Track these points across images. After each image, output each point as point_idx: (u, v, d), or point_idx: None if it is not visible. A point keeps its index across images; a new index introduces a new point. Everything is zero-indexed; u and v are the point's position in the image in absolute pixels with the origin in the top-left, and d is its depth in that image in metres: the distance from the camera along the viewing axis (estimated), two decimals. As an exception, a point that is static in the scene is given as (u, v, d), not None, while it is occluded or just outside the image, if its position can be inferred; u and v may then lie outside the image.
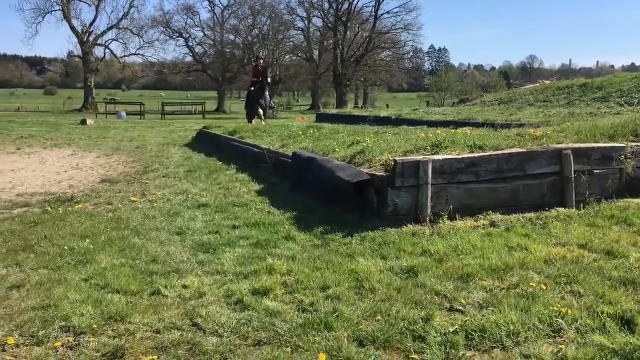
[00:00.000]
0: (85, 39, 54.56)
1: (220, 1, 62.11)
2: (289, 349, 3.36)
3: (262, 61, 19.81)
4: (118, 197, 7.88)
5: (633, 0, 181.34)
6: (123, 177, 9.69)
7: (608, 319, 3.59)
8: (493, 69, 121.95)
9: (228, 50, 59.81)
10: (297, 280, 4.43)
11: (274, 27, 56.40)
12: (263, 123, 17.36)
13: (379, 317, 3.74)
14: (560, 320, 3.60)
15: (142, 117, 39.67)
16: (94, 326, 3.65)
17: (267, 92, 17.95)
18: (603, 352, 3.21)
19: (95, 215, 6.84)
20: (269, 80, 17.65)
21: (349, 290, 4.22)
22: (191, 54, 61.90)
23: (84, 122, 24.40)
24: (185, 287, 4.38)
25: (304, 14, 61.24)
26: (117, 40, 57.29)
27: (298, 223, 6.14)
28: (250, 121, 19.07)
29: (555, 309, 3.75)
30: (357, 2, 59.08)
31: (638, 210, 6.21)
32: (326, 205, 6.66)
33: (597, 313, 3.68)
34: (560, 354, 3.23)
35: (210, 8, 62.35)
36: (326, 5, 59.87)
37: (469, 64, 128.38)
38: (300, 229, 5.90)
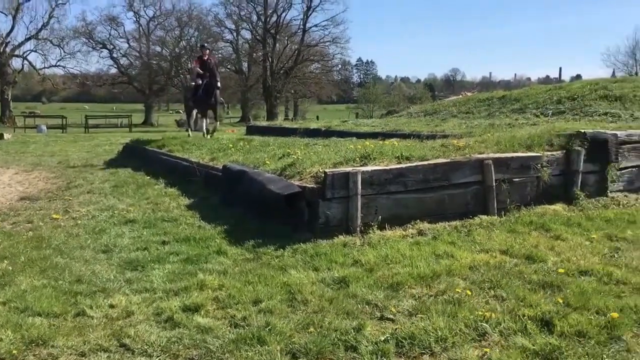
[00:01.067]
0: (1, 50, 51.87)
1: (145, 12, 60.68)
2: (221, 366, 3.32)
3: (207, 51, 15.21)
4: (39, 215, 7.52)
5: (545, 15, 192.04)
6: (44, 194, 9.25)
7: (529, 321, 3.77)
8: (419, 81, 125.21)
9: (154, 62, 58.51)
10: (229, 294, 4.39)
11: (202, 39, 55.64)
12: (208, 135, 14.44)
13: (312, 329, 3.76)
14: (485, 324, 3.74)
15: (64, 130, 38.08)
16: (14, 351, 3.47)
17: (217, 92, 14.28)
18: (525, 354, 3.37)
19: (14, 234, 6.50)
20: (219, 82, 14.15)
21: (281, 303, 4.22)
22: (116, 66, 60.02)
23: (0, 137, 23.19)
24: (112, 306, 4.23)
25: (232, 26, 60.88)
26: (36, 51, 54.78)
27: (229, 237, 6.08)
28: (189, 116, 15.85)
29: (480, 313, 3.89)
30: (286, 15, 59.46)
31: (554, 215, 6.56)
32: (258, 218, 6.63)
33: (519, 316, 3.86)
34: (485, 357, 3.36)
35: (135, 19, 60.73)
36: (254, 18, 59.81)
37: (396, 76, 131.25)
38: (232, 243, 5.84)
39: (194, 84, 14.73)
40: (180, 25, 56.35)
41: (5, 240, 6.20)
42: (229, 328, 3.84)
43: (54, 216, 7.38)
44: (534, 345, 3.43)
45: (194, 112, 15.66)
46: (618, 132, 7.54)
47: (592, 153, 7.17)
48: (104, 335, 3.73)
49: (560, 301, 4.06)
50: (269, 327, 3.76)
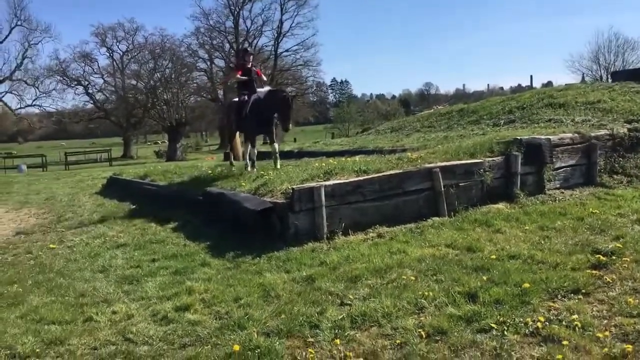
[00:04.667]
0: (-24, 93, 52.20)
1: (118, 47, 61.83)
2: (209, 346, 4.12)
3: (252, 57, 11.58)
4: (36, 246, 8.22)
5: (514, 25, 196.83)
6: (38, 228, 9.94)
7: (458, 296, 4.63)
8: (394, 97, 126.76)
9: (130, 96, 59.21)
10: (213, 296, 5.19)
11: (176, 70, 56.48)
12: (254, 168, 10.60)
13: (283, 316, 4.57)
14: (423, 301, 4.60)
15: (44, 169, 38.48)
16: (37, 350, 4.23)
17: (274, 122, 10.30)
18: (452, 318, 4.22)
19: (17, 263, 7.22)
20: (289, 113, 9.96)
21: (258, 299, 5.03)
22: (92, 101, 60.68)
23: (-18, 179, 23.62)
24: (114, 312, 5.01)
25: (206, 55, 62.06)
26: (11, 92, 55.21)
27: (212, 251, 6.87)
28: (232, 143, 12.34)
29: (421, 293, 4.74)
30: (257, 42, 60.90)
31: (497, 213, 7.46)
32: (236, 233, 7.43)
33: (451, 292, 4.72)
34: (421, 323, 4.20)
35: (108, 54, 61.84)
36: (227, 46, 61.15)
37: (371, 94, 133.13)
38: (214, 256, 6.64)
39: (237, 100, 11.19)
40: (153, 57, 57.14)
41: (10, 269, 6.92)
42: (214, 320, 4.65)
43: (51, 246, 8.09)
44: (459, 312, 4.29)
45: (237, 139, 12.26)
46: (551, 137, 8.52)
47: (528, 156, 8.13)
48: (110, 333, 4.52)
49: (486, 279, 4.93)
50: (247, 316, 4.58)
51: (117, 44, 61.99)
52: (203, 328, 4.46)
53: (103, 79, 61.18)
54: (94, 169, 32.56)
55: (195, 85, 60.72)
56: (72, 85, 58.74)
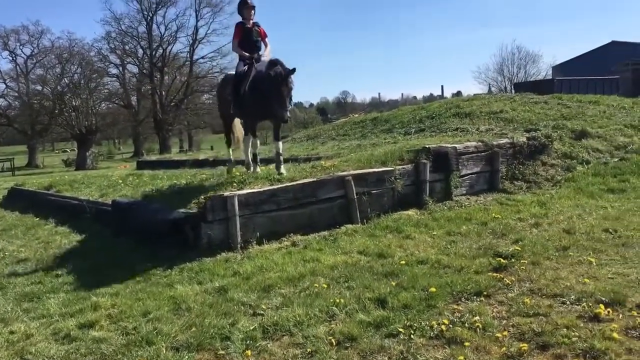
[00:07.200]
0: None
1: (22, 50, 58.47)
2: (114, 364, 3.97)
3: (253, 11, 8.54)
4: None
5: (427, 36, 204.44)
6: None
7: (369, 302, 4.73)
8: (312, 105, 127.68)
9: (36, 102, 56.04)
10: (121, 311, 5.01)
11: (86, 75, 54.06)
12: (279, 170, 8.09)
13: (194, 329, 4.48)
14: (335, 308, 4.65)
15: (-62, 179, 35.65)
16: None
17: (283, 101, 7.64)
18: (361, 324, 4.30)
19: None
20: (290, 85, 7.68)
21: (168, 312, 4.90)
22: (-8, 108, 56.95)
23: None
24: (12, 332, 4.73)
25: (118, 61, 59.90)
26: None
27: (121, 264, 6.62)
28: (229, 132, 9.44)
29: (332, 300, 4.80)
30: (172, 48, 59.52)
31: (407, 220, 7.68)
32: (148, 245, 7.20)
33: (362, 299, 4.81)
34: (331, 331, 4.25)
35: (11, 58, 58.32)
36: (140, 52, 59.39)
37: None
38: (123, 269, 6.40)
39: (235, 73, 8.61)
40: (61, 62, 54.44)
41: None
42: (121, 336, 4.48)
43: (-58, 263, 7.50)
44: (369, 319, 4.38)
45: (238, 123, 9.52)
46: (457, 145, 8.90)
47: (436, 164, 8.44)
48: (7, 355, 4.26)
49: (395, 284, 5.07)
50: (156, 331, 4.46)
51: (21, 47, 58.57)
52: (108, 345, 4.29)
53: (5, 83, 57.51)
54: (-5, 179, 30.58)
55: (106, 91, 58.45)
56: (-29, 90, 54.90)
